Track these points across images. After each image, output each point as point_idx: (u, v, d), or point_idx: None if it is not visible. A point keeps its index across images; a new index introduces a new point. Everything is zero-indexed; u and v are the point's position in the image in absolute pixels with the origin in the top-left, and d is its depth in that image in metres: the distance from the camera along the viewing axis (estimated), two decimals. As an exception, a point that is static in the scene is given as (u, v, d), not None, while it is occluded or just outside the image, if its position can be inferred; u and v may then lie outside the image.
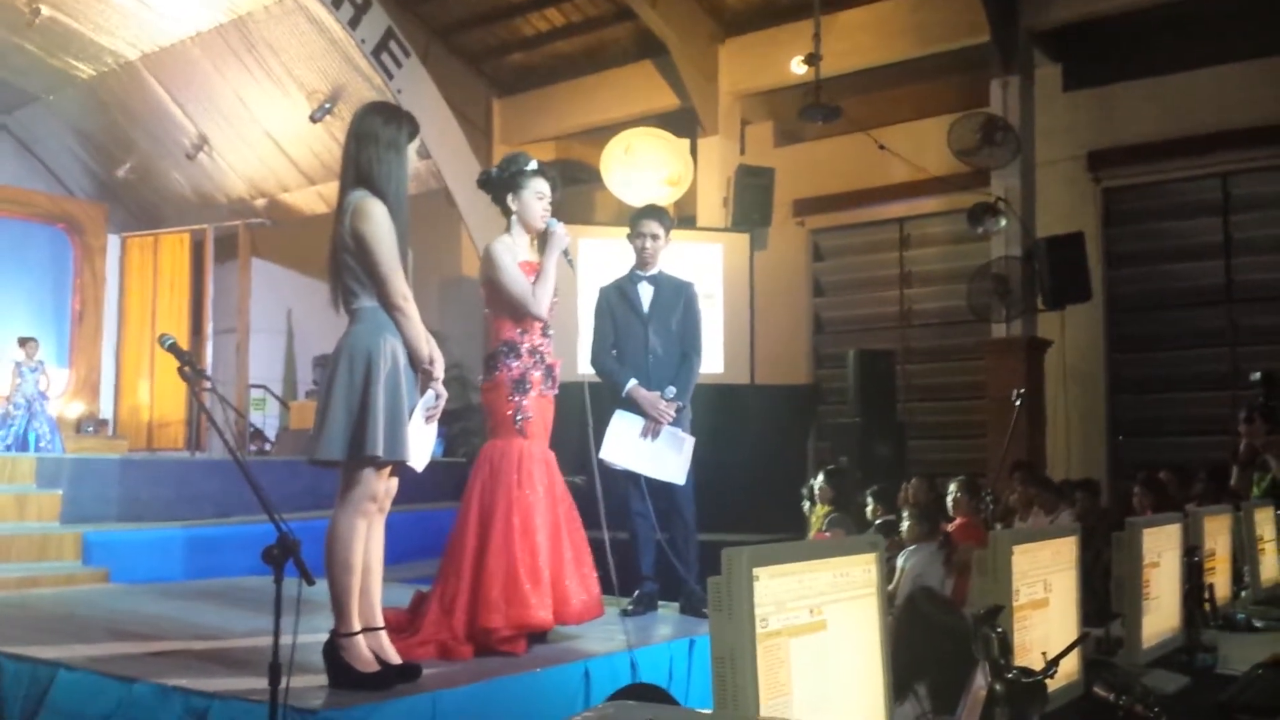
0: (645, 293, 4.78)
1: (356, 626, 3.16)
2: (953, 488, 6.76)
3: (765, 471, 9.39)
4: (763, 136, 12.02)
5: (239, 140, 11.92)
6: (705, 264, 10.23)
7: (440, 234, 11.82)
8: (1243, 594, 3.27)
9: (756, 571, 1.38)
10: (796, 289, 11.72)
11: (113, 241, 12.81)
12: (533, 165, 4.08)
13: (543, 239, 4.10)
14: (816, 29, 9.47)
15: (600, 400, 4.56)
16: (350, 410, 3.12)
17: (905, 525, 5.99)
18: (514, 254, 4.01)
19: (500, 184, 4.08)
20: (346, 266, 3.21)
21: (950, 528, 6.31)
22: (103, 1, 10.35)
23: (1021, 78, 9.58)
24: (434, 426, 3.38)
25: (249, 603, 4.90)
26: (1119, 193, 10.13)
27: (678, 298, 4.81)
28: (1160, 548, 2.61)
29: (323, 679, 3.14)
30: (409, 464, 3.25)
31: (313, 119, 10.81)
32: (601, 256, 8.42)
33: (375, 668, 3.15)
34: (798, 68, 9.84)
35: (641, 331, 4.72)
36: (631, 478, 4.58)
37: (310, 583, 2.66)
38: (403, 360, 3.22)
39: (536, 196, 4.05)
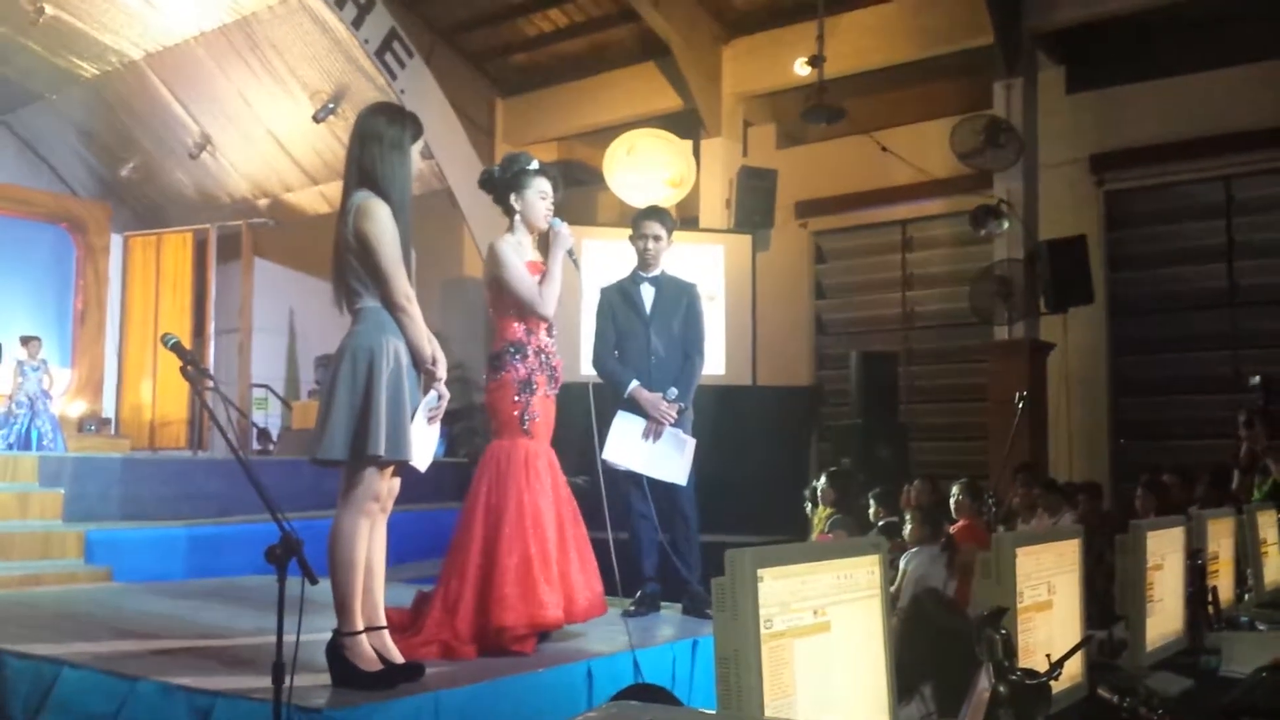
0: (647, 294, 4.78)
1: (359, 626, 3.17)
2: (955, 490, 6.76)
3: (767, 473, 9.39)
4: (765, 138, 12.02)
5: (242, 140, 11.94)
6: (707, 265, 10.24)
7: (443, 234, 11.83)
8: (1246, 597, 3.26)
9: (760, 572, 1.38)
10: (799, 291, 11.71)
11: (115, 241, 12.82)
12: (534, 165, 4.09)
13: (546, 239, 4.10)
14: (820, 31, 9.48)
15: (602, 401, 4.56)
16: (352, 410, 3.13)
17: (908, 527, 5.99)
18: (520, 253, 4.01)
19: (502, 184, 4.09)
20: (349, 266, 3.22)
21: (953, 529, 6.31)
22: (107, 1, 10.36)
23: (1024, 80, 9.58)
24: (436, 427, 3.39)
25: (252, 602, 4.90)
26: (1122, 195, 10.12)
27: (680, 299, 4.81)
28: (1164, 550, 2.61)
29: (326, 678, 3.14)
30: (412, 464, 3.26)
31: (316, 119, 10.82)
32: (604, 258, 8.41)
33: (378, 667, 3.15)
34: (801, 69, 9.85)
35: (643, 333, 4.72)
36: (633, 479, 4.58)
37: (313, 582, 2.66)
38: (405, 360, 3.23)
39: (539, 196, 4.05)
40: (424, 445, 3.30)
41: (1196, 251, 9.84)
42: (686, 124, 11.45)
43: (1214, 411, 9.29)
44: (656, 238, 4.78)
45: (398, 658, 3.25)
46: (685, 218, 10.75)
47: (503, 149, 12.26)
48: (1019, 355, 9.28)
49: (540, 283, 3.96)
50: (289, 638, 2.65)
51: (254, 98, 11.26)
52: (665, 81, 11.55)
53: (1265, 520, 3.45)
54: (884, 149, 10.16)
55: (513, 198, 4.06)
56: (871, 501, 7.06)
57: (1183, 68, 9.48)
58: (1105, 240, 10.04)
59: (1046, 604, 2.04)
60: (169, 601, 5.12)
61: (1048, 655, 1.82)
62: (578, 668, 3.55)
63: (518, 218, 4.07)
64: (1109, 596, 2.73)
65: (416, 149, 3.37)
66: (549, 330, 4.06)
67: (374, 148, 3.26)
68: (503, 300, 4.00)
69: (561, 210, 4.16)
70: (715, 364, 9.81)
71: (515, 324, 4.00)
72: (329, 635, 3.18)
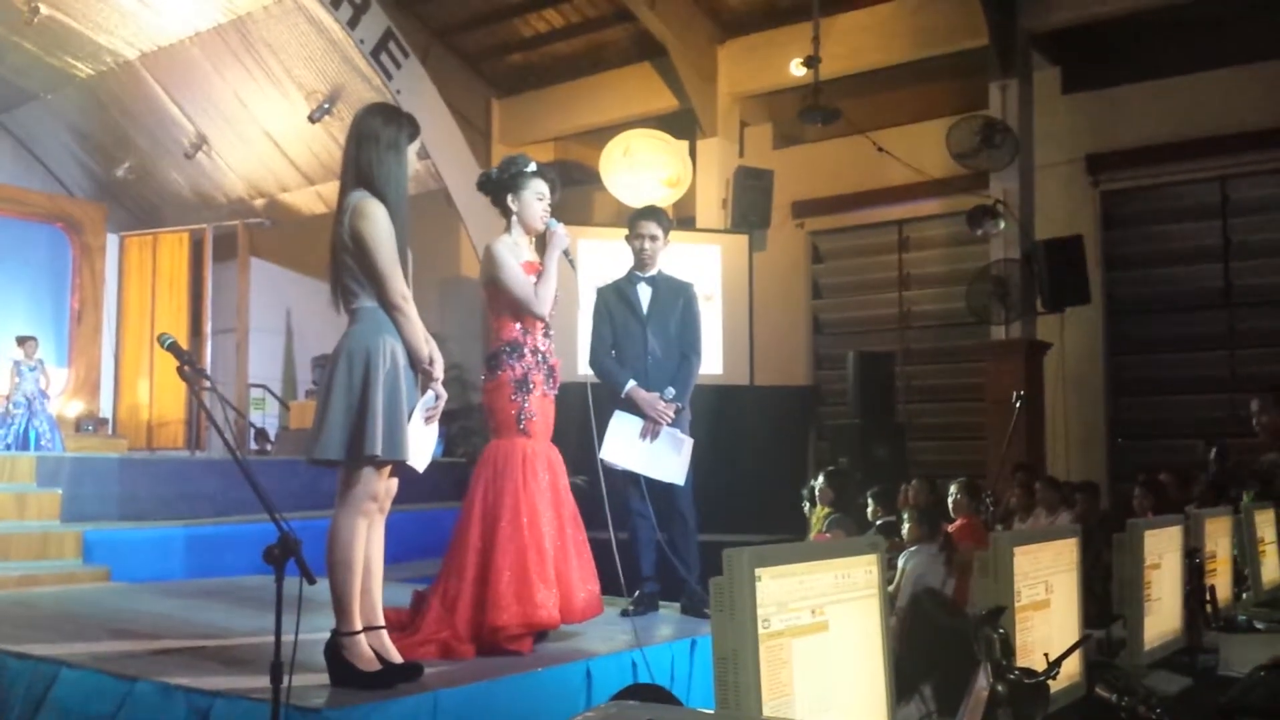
0: (644, 294, 4.78)
1: (358, 625, 3.17)
2: (953, 489, 6.77)
3: (765, 473, 9.40)
4: (762, 138, 12.02)
5: (238, 140, 11.92)
6: (704, 265, 10.24)
7: (439, 234, 11.83)
8: (1244, 596, 3.27)
9: (759, 572, 1.38)
10: (795, 290, 11.72)
11: (111, 241, 12.79)
12: (532, 166, 4.09)
13: (542, 239, 4.11)
14: (816, 31, 9.48)
15: (600, 401, 4.56)
16: (349, 410, 3.12)
17: (906, 526, 5.99)
18: (516, 254, 4.01)
19: (500, 185, 4.09)
20: (346, 267, 3.22)
21: (951, 529, 6.31)
22: (101, 1, 10.35)
23: (1020, 80, 9.58)
24: (434, 427, 3.38)
25: (250, 602, 4.90)
26: (1118, 195, 10.14)
27: (676, 299, 4.81)
28: (1161, 549, 2.62)
29: (324, 678, 3.14)
30: (409, 464, 3.26)
31: (312, 119, 10.80)
32: (600, 258, 8.41)
33: (377, 667, 3.15)
34: (797, 70, 9.85)
35: (640, 333, 4.73)
36: (631, 478, 4.58)
37: (311, 582, 2.66)
38: (402, 360, 3.23)
39: (536, 197, 4.06)
40: (422, 445, 3.30)
41: (1192, 252, 9.87)
42: (683, 124, 11.46)
43: (1210, 411, 9.32)
44: (653, 238, 4.78)
45: (396, 657, 3.25)
46: (682, 218, 10.75)
47: (499, 149, 12.27)
48: (1016, 355, 9.29)
49: (536, 283, 3.97)
50: (287, 638, 2.65)
51: (249, 98, 11.24)
52: (661, 82, 11.55)
53: (1263, 519, 3.46)
54: (880, 149, 10.17)
55: (509, 199, 4.06)
56: (869, 501, 7.06)
57: (1178, 68, 9.51)
58: (1101, 240, 10.06)
59: (1044, 603, 2.04)
60: (167, 601, 5.10)
61: (1046, 654, 1.82)
62: (576, 667, 3.55)
63: (514, 219, 4.08)
64: (1107, 596, 2.73)
65: (413, 149, 3.37)
66: (545, 330, 4.06)
67: (370, 148, 3.26)
68: (499, 301, 4.00)
69: (558, 210, 4.16)
70: (712, 364, 9.82)
71: (512, 324, 4.00)
72: (327, 635, 3.18)
